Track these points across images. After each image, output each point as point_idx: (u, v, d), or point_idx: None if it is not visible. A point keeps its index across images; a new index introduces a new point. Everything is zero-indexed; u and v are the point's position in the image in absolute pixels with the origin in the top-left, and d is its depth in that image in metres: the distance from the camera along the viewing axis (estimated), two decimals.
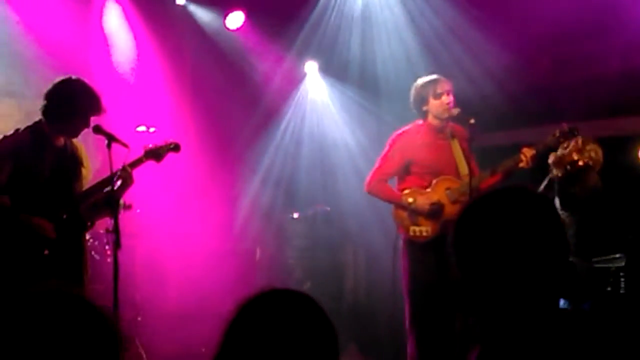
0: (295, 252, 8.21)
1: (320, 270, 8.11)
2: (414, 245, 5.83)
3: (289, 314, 1.89)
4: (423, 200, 5.79)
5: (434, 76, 5.91)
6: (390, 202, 5.97)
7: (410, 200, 5.81)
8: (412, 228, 5.81)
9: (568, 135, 5.79)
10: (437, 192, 5.83)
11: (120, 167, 4.95)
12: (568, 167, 5.87)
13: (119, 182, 4.97)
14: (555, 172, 5.92)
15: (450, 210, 5.76)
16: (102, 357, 1.75)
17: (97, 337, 1.76)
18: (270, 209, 8.64)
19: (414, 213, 5.81)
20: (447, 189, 5.83)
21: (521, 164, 5.71)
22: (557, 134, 5.79)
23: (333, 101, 8.98)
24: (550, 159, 5.95)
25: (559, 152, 5.84)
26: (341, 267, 8.35)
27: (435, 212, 5.77)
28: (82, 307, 1.79)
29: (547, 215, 1.89)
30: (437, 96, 5.82)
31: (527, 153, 5.72)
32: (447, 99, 5.81)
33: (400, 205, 5.87)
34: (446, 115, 5.83)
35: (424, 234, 5.79)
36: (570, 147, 5.78)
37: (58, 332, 1.72)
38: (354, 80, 8.68)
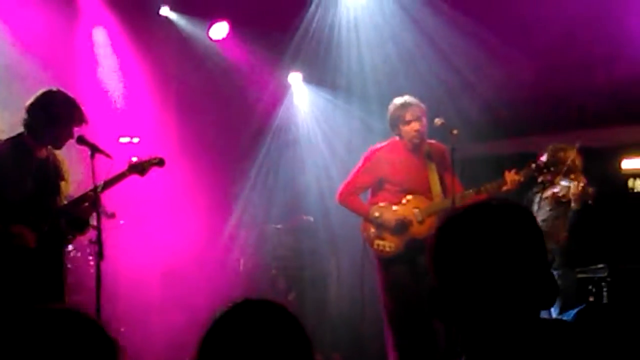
0: (278, 262, 8.18)
1: (304, 280, 8.10)
2: (383, 259, 5.89)
3: (263, 325, 1.89)
4: (389, 216, 5.85)
5: (406, 100, 5.92)
6: (358, 214, 6.04)
7: (377, 214, 5.89)
8: (376, 242, 5.90)
9: (542, 170, 5.81)
10: (406, 210, 5.87)
11: (90, 188, 4.90)
12: (589, 201, 5.85)
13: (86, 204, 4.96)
14: (574, 205, 5.89)
15: (417, 229, 5.83)
16: None
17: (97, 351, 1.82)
18: (253, 219, 8.61)
19: (380, 227, 5.85)
20: (416, 207, 5.87)
21: (505, 187, 5.72)
22: (533, 167, 5.78)
23: (318, 111, 8.98)
24: (573, 193, 5.88)
25: (567, 188, 5.85)
26: (325, 277, 8.34)
27: (400, 228, 5.82)
28: (84, 324, 1.83)
29: (527, 227, 1.89)
30: (406, 123, 5.87)
31: (511, 177, 5.72)
32: (417, 125, 5.85)
33: (368, 219, 5.91)
34: (415, 141, 5.89)
35: (387, 249, 5.86)
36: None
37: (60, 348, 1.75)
38: (339, 90, 8.68)
